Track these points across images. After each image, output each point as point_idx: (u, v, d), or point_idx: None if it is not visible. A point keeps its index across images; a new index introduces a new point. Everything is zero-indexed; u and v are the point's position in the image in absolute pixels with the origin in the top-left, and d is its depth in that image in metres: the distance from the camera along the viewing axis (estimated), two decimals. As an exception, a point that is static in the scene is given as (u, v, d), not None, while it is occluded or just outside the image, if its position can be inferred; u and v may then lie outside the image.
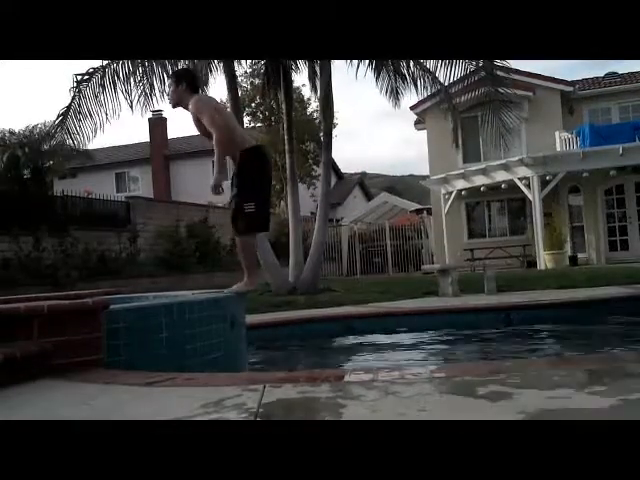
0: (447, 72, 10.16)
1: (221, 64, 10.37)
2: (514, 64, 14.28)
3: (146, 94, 9.99)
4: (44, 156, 12.87)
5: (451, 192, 18.41)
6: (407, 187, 49.14)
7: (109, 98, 9.84)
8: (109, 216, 13.62)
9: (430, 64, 10.50)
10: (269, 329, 6.06)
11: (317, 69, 10.92)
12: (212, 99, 4.37)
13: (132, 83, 9.90)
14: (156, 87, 9.94)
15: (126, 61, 9.71)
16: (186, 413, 1.95)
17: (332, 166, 21.59)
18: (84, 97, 9.89)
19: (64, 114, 10.01)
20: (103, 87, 9.81)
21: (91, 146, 11.83)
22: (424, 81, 10.72)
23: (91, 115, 9.93)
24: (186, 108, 4.10)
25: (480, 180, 17.50)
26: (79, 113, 9.95)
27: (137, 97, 9.96)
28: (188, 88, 4.09)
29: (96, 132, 9.96)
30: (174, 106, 4.21)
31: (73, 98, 9.92)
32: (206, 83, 10.45)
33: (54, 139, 10.72)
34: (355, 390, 2.24)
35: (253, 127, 21.59)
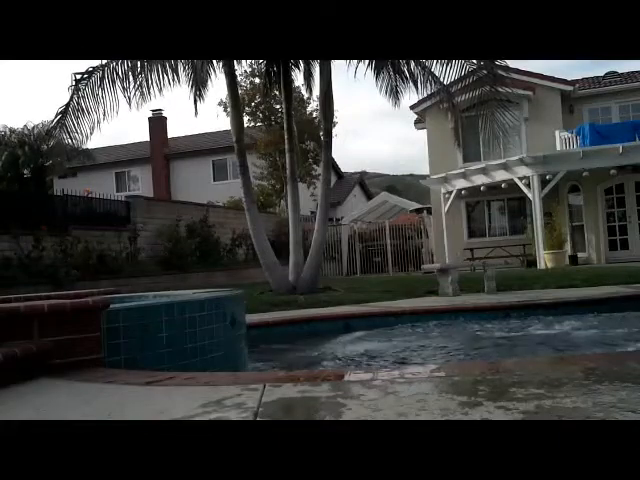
0: (444, 71, 10.16)
1: (221, 64, 10.36)
2: (514, 64, 14.34)
3: (143, 92, 9.96)
4: (44, 155, 12.87)
5: (451, 191, 18.40)
6: (407, 186, 49.18)
7: (108, 96, 9.83)
8: (109, 216, 13.62)
9: (427, 63, 10.49)
10: (269, 328, 6.08)
11: (317, 69, 10.92)
12: None
13: (131, 80, 9.87)
14: (155, 85, 9.93)
15: (126, 60, 9.69)
16: (186, 412, 1.95)
17: (332, 165, 21.59)
18: (83, 96, 9.88)
19: (63, 112, 10.00)
20: (102, 86, 9.80)
21: (91, 145, 11.85)
22: (424, 80, 10.72)
23: (89, 113, 9.92)
24: None
25: (480, 179, 17.49)
26: (77, 111, 9.94)
27: (135, 95, 9.94)
28: None
29: (93, 130, 9.96)
30: None
31: (72, 96, 9.91)
32: (206, 83, 10.46)
33: (53, 138, 10.70)
34: (355, 389, 2.24)
35: (253, 127, 21.58)
